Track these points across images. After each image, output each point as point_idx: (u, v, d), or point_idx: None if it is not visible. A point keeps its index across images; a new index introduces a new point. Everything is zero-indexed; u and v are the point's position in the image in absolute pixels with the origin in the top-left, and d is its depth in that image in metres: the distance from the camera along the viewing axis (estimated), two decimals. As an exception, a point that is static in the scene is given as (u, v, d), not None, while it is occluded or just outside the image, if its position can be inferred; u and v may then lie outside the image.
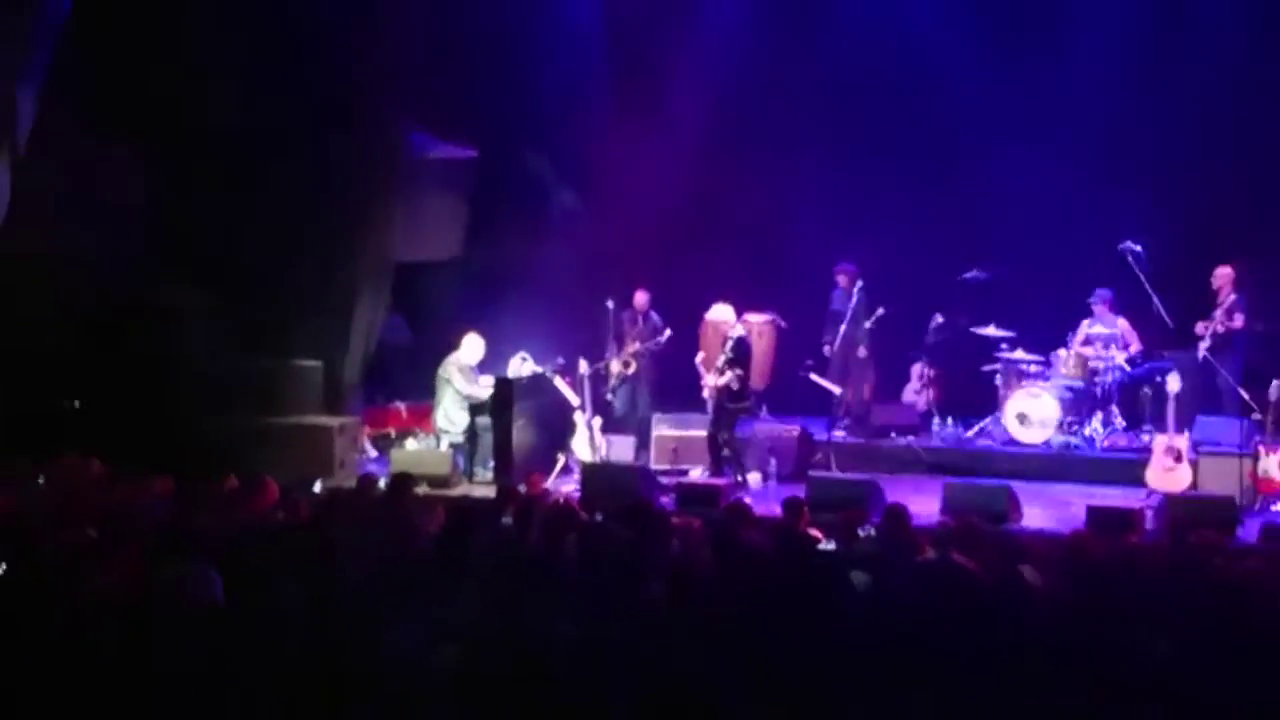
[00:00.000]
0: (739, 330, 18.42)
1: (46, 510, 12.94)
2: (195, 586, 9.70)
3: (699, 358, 18.75)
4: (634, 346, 19.47)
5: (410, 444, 18.70)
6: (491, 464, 17.78)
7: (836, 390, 19.15)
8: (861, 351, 19.53)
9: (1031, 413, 18.60)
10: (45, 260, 18.01)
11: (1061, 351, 18.91)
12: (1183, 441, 16.96)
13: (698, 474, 17.91)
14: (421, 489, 14.74)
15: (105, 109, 17.59)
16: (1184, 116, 19.75)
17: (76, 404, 17.78)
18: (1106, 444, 18.55)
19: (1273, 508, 16.14)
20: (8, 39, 17.45)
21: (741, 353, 18.16)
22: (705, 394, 18.44)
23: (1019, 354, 19.04)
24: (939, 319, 19.56)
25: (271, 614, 9.46)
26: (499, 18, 20.12)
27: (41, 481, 14.52)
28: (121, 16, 17.42)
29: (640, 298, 19.73)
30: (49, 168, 18.11)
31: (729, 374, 18.00)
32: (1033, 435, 18.56)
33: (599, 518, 13.11)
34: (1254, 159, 19.61)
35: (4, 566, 11.00)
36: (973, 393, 19.60)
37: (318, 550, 11.50)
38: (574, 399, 18.58)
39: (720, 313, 18.74)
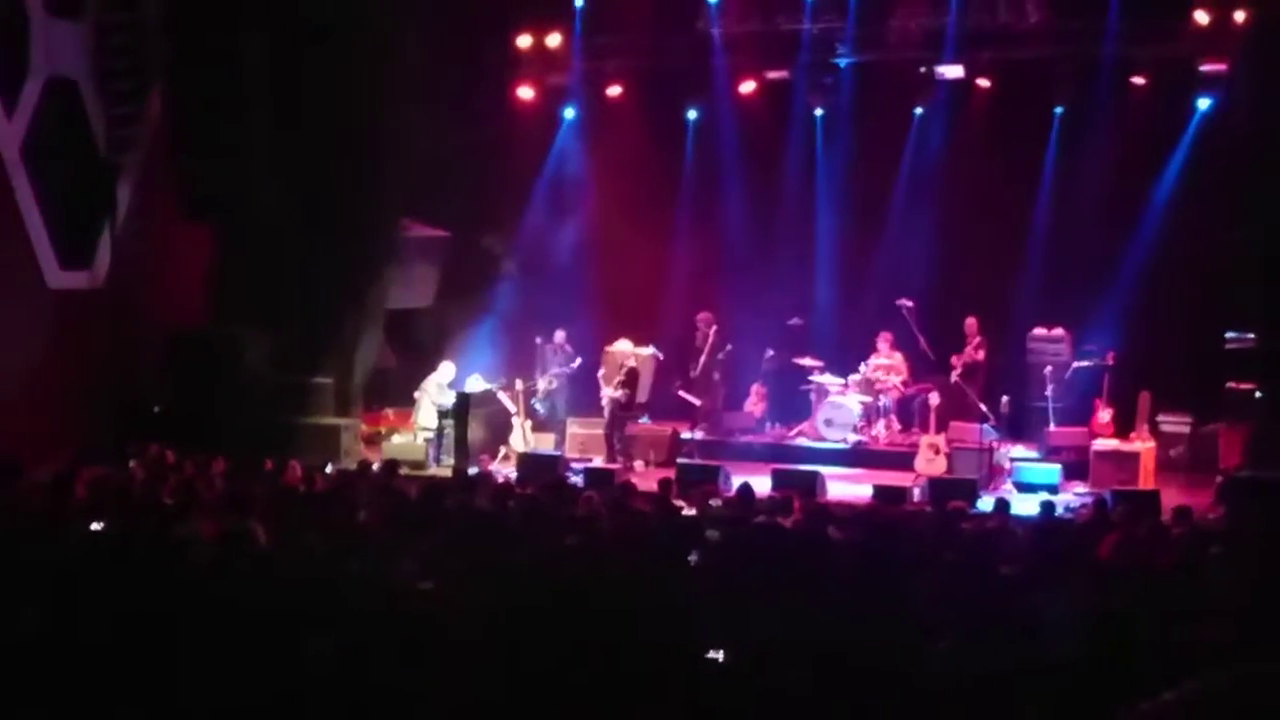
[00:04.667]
0: (631, 361, 18.59)
1: (135, 485, 12.88)
2: (246, 535, 9.67)
3: (600, 374, 18.88)
4: (554, 370, 19.48)
5: (396, 438, 18.60)
6: (453, 454, 17.77)
7: (697, 402, 19.19)
8: (715, 375, 19.56)
9: (835, 419, 18.71)
10: (144, 308, 18.10)
11: (856, 376, 19.05)
12: (940, 440, 17.25)
13: (598, 461, 17.95)
14: (404, 470, 14.68)
15: (186, 200, 17.66)
16: (940, 222, 19.93)
17: (156, 409, 17.67)
18: (887, 442, 18.71)
19: (1002, 486, 16.41)
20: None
21: (631, 377, 18.35)
22: (604, 403, 18.56)
23: (826, 378, 19.13)
24: (770, 352, 19.63)
25: (302, 554, 9.49)
26: (468, 143, 20.15)
27: (132, 464, 14.42)
28: (193, 130, 17.46)
29: (559, 335, 19.71)
30: (147, 244, 18.22)
31: (621, 391, 18.17)
32: (835, 435, 18.68)
33: (530, 490, 13.20)
34: (989, 246, 19.82)
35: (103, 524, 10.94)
36: (793, 404, 19.67)
37: (333, 510, 11.52)
38: (512, 407, 18.58)
39: (619, 345, 18.94)
